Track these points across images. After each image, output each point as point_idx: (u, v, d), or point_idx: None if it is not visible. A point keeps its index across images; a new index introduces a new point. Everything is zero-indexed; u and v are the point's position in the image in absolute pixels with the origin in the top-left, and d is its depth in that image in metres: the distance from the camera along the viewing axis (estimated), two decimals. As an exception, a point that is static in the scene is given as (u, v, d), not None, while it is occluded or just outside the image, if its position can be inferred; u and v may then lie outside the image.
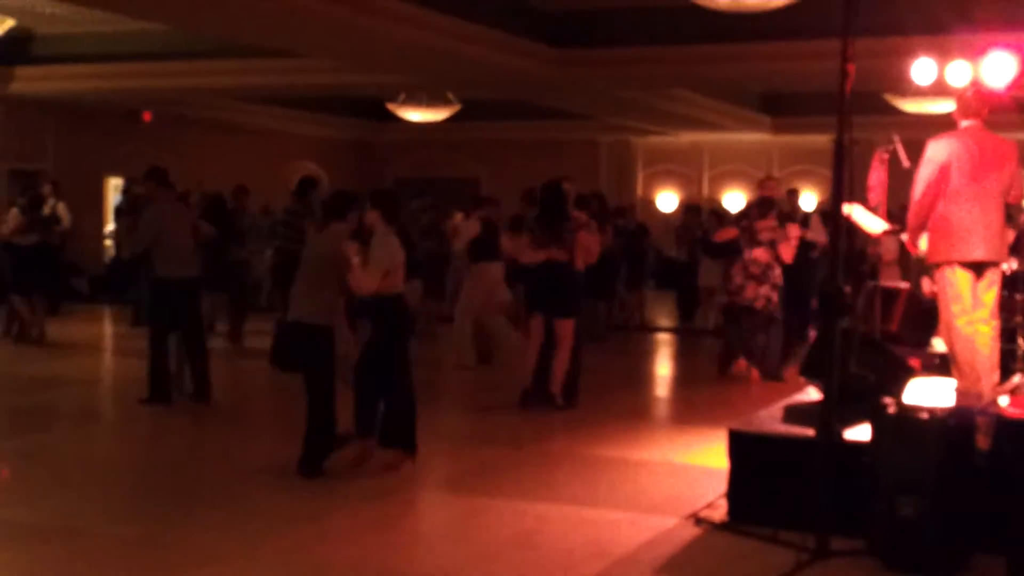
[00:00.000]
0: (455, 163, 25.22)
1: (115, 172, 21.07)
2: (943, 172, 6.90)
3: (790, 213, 12.42)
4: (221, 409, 9.83)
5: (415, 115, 18.72)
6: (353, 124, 24.39)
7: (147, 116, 20.50)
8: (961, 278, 6.94)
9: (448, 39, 12.57)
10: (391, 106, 18.74)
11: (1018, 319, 8.09)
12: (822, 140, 18.50)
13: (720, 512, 6.39)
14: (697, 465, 7.73)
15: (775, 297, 11.18)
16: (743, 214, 12.18)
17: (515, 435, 8.80)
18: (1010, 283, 7.80)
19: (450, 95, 18.08)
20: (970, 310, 6.97)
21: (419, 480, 7.51)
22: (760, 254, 11.09)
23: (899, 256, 11.58)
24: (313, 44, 13.41)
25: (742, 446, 6.43)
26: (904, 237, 8.87)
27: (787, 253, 11.24)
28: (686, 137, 23.54)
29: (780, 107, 21.47)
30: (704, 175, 24.05)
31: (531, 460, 7.96)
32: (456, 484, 7.43)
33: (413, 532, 6.45)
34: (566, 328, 9.72)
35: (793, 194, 14.39)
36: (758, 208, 11.45)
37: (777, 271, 11.18)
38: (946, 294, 7.02)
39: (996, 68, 7.70)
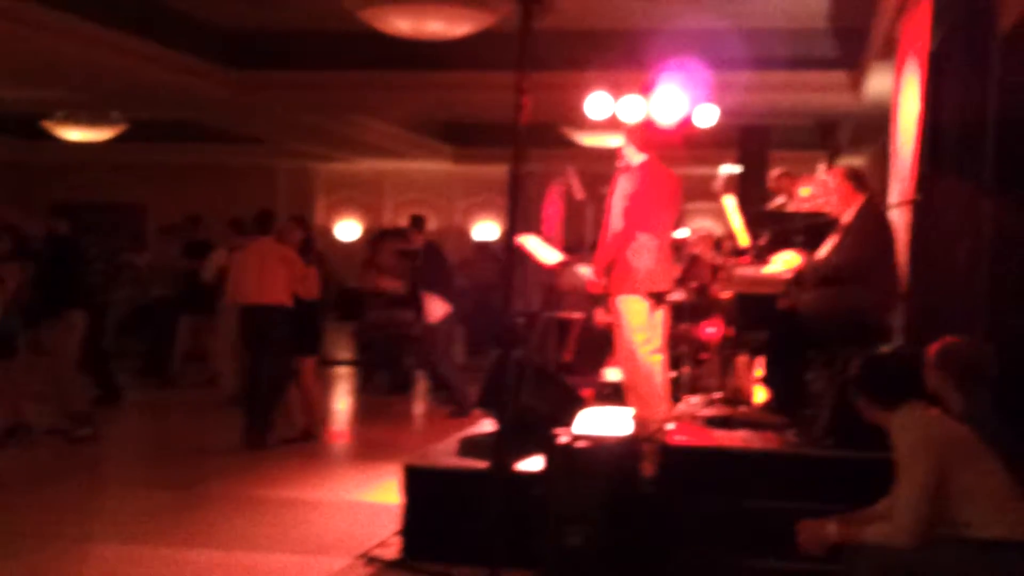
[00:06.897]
0: (119, 187, 23.63)
1: None
2: (636, 205, 7.07)
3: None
4: None
5: (75, 134, 17.52)
6: (3, 143, 22.54)
7: None
8: (645, 308, 7.18)
9: (117, 56, 11.79)
10: (48, 124, 17.46)
11: (683, 348, 8.43)
12: (501, 171, 18.77)
13: (393, 550, 6.21)
14: (372, 502, 7.52)
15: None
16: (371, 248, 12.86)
17: (185, 477, 8.29)
18: (676, 314, 8.12)
19: (115, 114, 17.05)
20: (651, 339, 7.20)
21: (76, 530, 6.88)
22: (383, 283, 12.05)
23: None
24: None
25: (416, 480, 6.28)
26: (583, 269, 9.10)
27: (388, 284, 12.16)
28: (367, 165, 23.39)
29: (461, 137, 21.66)
30: (386, 203, 23.98)
31: (198, 504, 7.50)
32: (116, 532, 6.84)
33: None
34: None
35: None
36: (379, 240, 12.63)
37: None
38: (630, 324, 7.17)
39: (666, 104, 7.96)
